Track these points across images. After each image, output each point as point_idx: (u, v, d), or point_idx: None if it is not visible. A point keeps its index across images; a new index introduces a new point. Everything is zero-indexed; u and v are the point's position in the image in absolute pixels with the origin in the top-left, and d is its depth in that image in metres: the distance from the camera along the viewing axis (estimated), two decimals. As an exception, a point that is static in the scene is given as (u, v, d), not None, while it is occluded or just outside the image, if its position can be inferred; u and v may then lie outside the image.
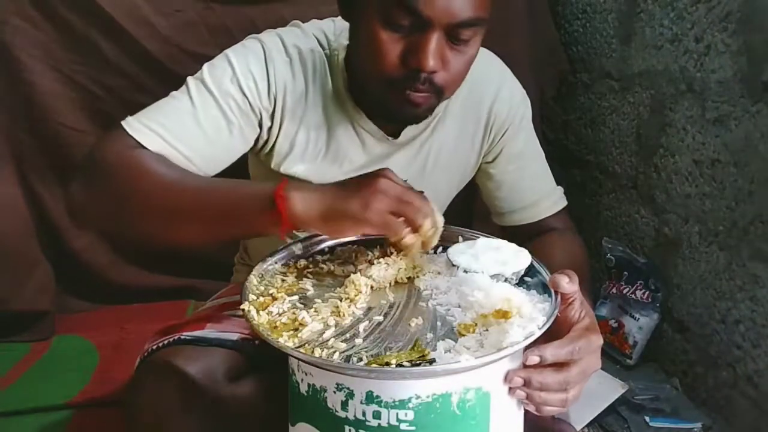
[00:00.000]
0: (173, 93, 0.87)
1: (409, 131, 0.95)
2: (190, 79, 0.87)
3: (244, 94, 0.87)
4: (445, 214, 1.12)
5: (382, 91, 0.83)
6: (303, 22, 0.97)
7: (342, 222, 0.70)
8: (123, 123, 0.83)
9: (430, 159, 1.00)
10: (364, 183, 0.70)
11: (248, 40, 0.92)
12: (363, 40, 0.82)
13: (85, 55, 1.39)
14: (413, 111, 0.85)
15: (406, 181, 0.73)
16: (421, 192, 0.73)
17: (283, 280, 0.76)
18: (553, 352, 0.64)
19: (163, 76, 1.40)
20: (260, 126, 0.90)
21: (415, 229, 0.70)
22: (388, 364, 0.60)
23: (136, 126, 0.82)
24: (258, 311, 0.69)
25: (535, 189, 1.05)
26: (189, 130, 0.83)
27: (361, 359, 0.61)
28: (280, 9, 1.38)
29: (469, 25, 0.79)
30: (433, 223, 0.72)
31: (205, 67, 0.88)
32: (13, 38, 1.33)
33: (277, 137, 0.92)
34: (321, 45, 0.93)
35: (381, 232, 0.71)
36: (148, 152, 0.81)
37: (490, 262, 0.73)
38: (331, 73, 0.92)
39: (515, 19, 1.51)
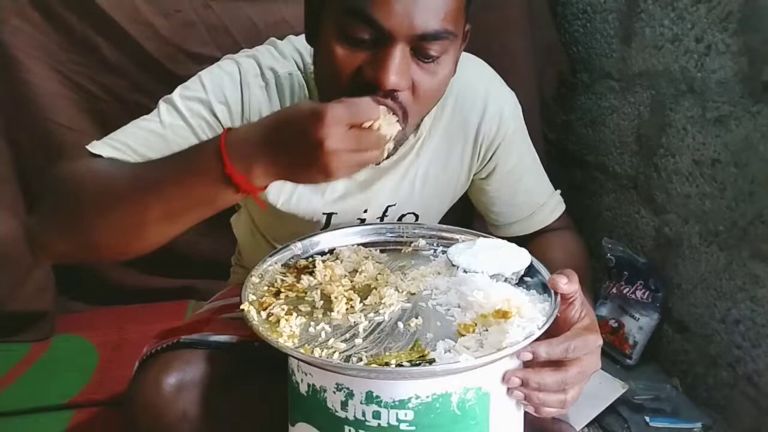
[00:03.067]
0: (142, 116, 0.84)
1: (393, 156, 0.91)
2: (161, 102, 0.85)
3: (216, 116, 0.84)
4: (446, 215, 1.13)
5: None
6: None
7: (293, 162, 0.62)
8: (88, 147, 0.79)
9: (417, 181, 0.96)
10: (304, 139, 0.60)
11: (224, 61, 0.89)
12: (321, 58, 0.77)
13: (85, 55, 1.39)
14: None
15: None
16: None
17: (282, 281, 0.76)
18: (546, 348, 0.64)
19: (163, 77, 1.39)
20: None
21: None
22: (387, 364, 0.60)
23: (98, 146, 0.79)
24: (258, 312, 0.69)
25: (530, 202, 1.02)
26: (155, 147, 0.80)
27: (361, 359, 0.61)
28: (279, 9, 1.38)
29: (435, 38, 0.72)
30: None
31: (178, 89, 0.86)
32: (12, 38, 1.33)
33: None
34: (298, 67, 0.89)
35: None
36: (97, 158, 0.76)
37: (490, 262, 0.73)
38: (310, 96, 0.88)
39: (515, 19, 1.50)
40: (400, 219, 0.99)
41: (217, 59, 0.90)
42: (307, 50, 0.89)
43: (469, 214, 1.55)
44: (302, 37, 0.89)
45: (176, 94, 0.84)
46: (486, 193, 1.02)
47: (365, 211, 0.96)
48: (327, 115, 0.59)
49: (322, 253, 0.83)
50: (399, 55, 0.71)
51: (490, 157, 0.98)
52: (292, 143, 0.61)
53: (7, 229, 1.37)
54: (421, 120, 0.87)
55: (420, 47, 0.73)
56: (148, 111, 0.84)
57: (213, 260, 1.48)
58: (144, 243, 0.69)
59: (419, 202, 0.98)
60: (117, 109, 1.43)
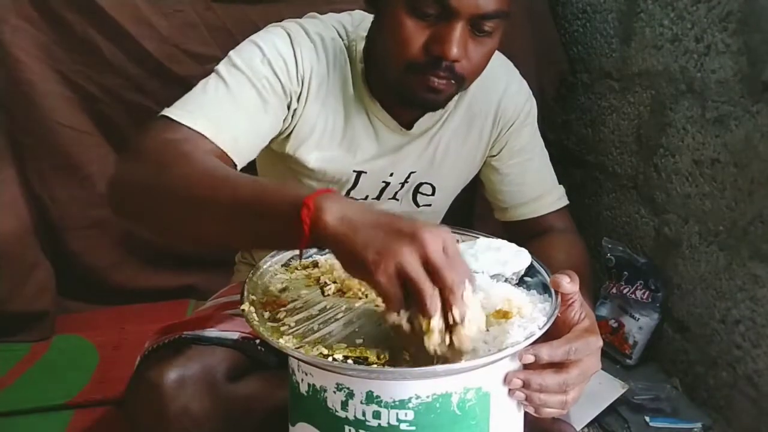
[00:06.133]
0: (203, 81, 0.85)
1: (422, 123, 0.97)
2: (219, 66, 0.87)
3: (277, 75, 0.87)
4: (446, 214, 1.13)
5: (404, 78, 0.85)
6: None
7: (356, 258, 0.55)
8: (164, 113, 0.80)
9: (439, 151, 1.02)
10: (405, 225, 0.55)
11: (270, 27, 0.93)
12: (388, 26, 0.84)
13: (85, 55, 1.39)
14: (433, 97, 0.87)
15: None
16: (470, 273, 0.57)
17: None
18: (549, 351, 0.64)
19: (163, 77, 1.40)
20: (289, 108, 0.91)
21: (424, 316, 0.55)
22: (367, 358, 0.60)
23: (177, 114, 0.79)
24: (258, 312, 0.68)
25: (537, 184, 1.06)
26: (228, 112, 0.82)
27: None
28: (280, 10, 1.38)
29: (493, 17, 0.81)
30: (452, 320, 0.55)
31: (232, 53, 0.88)
32: (12, 38, 1.33)
33: (298, 121, 0.93)
34: (340, 35, 0.94)
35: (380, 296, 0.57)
36: (193, 145, 0.77)
37: (490, 262, 0.73)
38: (350, 63, 0.94)
39: (515, 19, 1.50)
40: (417, 188, 1.04)
41: (219, 59, 0.90)
42: (348, 22, 0.96)
43: (469, 214, 1.55)
44: (344, 13, 0.98)
45: (234, 57, 0.87)
46: (496, 171, 1.07)
47: (391, 175, 1.01)
48: (446, 233, 0.56)
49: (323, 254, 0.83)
50: (460, 30, 0.80)
51: (505, 133, 1.05)
52: (396, 219, 0.57)
53: (7, 229, 1.37)
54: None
55: (477, 23, 0.82)
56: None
57: (214, 259, 1.48)
58: (199, 244, 0.72)
59: (438, 173, 1.04)
60: (117, 108, 1.43)
